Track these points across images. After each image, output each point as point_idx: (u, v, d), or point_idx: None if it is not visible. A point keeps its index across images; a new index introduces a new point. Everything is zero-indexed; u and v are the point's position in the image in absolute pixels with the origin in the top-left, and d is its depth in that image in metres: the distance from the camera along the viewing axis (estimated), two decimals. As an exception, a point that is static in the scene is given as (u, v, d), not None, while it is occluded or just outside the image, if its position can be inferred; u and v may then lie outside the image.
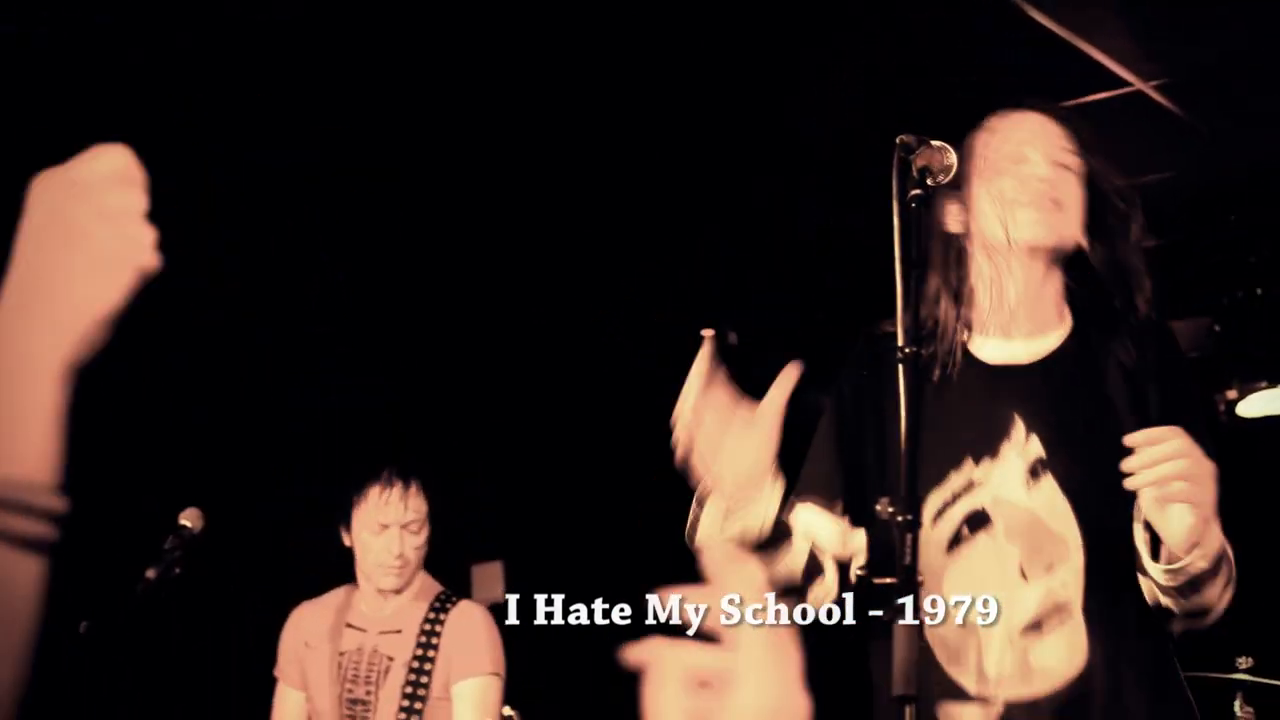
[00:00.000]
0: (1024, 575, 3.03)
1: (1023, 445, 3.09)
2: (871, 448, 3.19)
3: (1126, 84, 5.64)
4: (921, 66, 5.32)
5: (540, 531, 8.88)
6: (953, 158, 2.93)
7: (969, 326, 3.20)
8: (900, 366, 2.68)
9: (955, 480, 3.10)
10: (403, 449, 5.11)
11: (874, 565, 3.12)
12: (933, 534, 3.10)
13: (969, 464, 3.09)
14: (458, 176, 6.28)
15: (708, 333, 7.94)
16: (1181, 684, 3.09)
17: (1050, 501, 3.04)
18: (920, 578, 2.51)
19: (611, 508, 8.72)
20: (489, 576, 8.87)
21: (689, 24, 5.34)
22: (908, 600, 2.48)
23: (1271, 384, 7.38)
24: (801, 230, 6.96)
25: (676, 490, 8.24)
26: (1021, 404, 3.12)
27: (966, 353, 3.19)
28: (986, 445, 3.10)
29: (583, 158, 6.24)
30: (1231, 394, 7.52)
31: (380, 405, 7.55)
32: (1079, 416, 3.12)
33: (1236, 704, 6.05)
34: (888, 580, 2.54)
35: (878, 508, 2.55)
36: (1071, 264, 3.24)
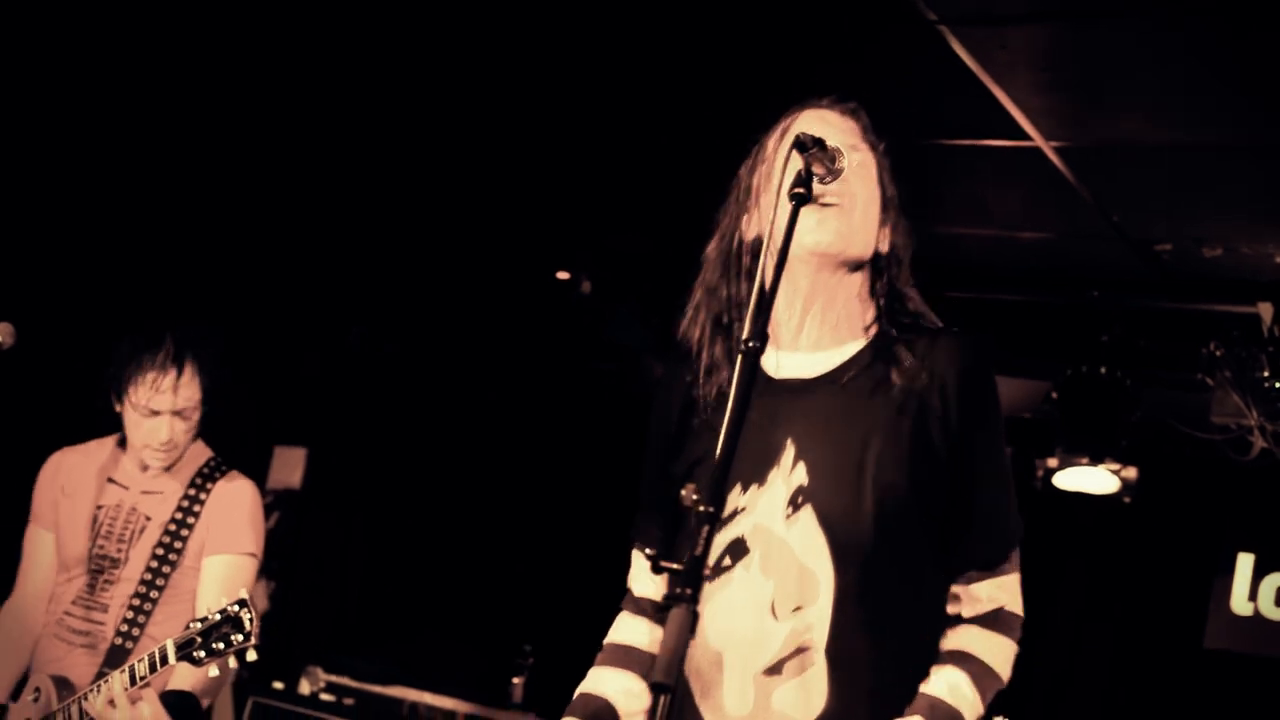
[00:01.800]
0: (774, 613, 2.90)
1: (789, 472, 2.95)
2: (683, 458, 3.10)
3: (1027, 137, 5.65)
4: (825, 73, 5.30)
5: (357, 430, 8.85)
6: (844, 162, 2.88)
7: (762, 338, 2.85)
8: (740, 358, 2.62)
9: (725, 504, 2.94)
10: (186, 322, 4.93)
11: (666, 550, 3.01)
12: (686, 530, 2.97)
13: (738, 489, 2.94)
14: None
15: (563, 275, 7.92)
16: None
17: (805, 535, 2.90)
18: (706, 572, 2.47)
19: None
20: (290, 460, 8.80)
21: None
22: (689, 590, 2.44)
23: (1092, 462, 7.47)
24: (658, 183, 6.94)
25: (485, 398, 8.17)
26: (795, 426, 2.97)
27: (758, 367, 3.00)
28: (757, 471, 2.96)
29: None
30: (1052, 462, 7.61)
31: (215, 257, 7.46)
32: (850, 441, 2.93)
33: None
34: (674, 566, 2.51)
35: (683, 493, 2.52)
36: (881, 267, 3.09)
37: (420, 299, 8.37)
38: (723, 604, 2.61)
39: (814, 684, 2.87)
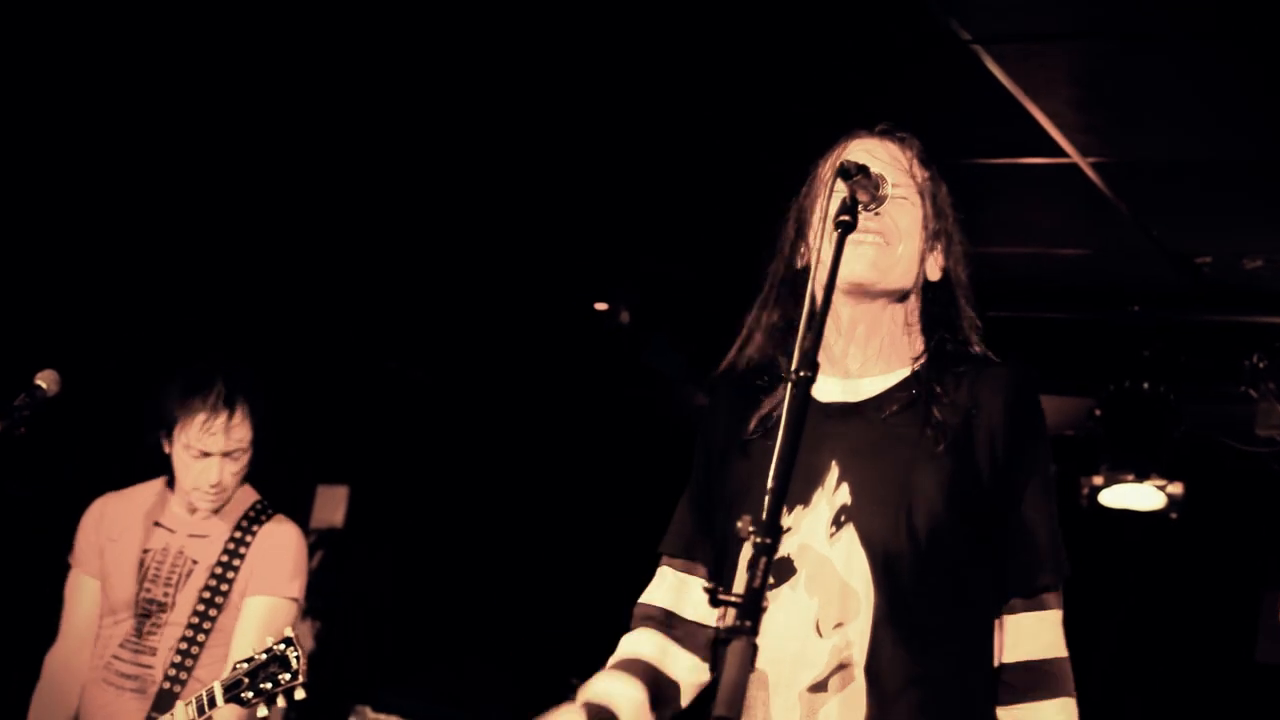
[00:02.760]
0: (819, 630, 2.93)
1: (831, 493, 2.98)
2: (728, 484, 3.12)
3: (1064, 154, 5.64)
4: (863, 96, 5.29)
5: (397, 469, 8.85)
6: (888, 189, 2.90)
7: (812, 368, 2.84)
8: (790, 388, 2.62)
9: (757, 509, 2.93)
10: (235, 365, 4.94)
11: (721, 582, 3.06)
12: (741, 561, 3.02)
13: (784, 509, 2.92)
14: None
15: (600, 306, 7.92)
16: None
17: (847, 553, 2.94)
18: (765, 604, 2.46)
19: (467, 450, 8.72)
20: (333, 499, 8.82)
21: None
22: (749, 623, 2.43)
23: (1138, 479, 7.45)
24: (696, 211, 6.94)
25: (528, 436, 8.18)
26: (841, 449, 3.00)
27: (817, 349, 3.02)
28: (801, 492, 2.98)
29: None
30: (1097, 479, 7.59)
31: (243, 306, 7.48)
32: (893, 466, 2.96)
33: None
34: (732, 599, 2.50)
35: (738, 525, 2.52)
36: (931, 296, 3.11)
37: (458, 332, 8.38)
38: (768, 623, 2.58)
39: (854, 700, 2.90)
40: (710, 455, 3.22)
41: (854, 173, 2.83)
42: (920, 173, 3.11)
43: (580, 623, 8.54)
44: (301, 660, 4.21)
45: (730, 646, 2.42)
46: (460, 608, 8.63)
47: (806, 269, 3.08)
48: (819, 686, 2.91)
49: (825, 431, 2.99)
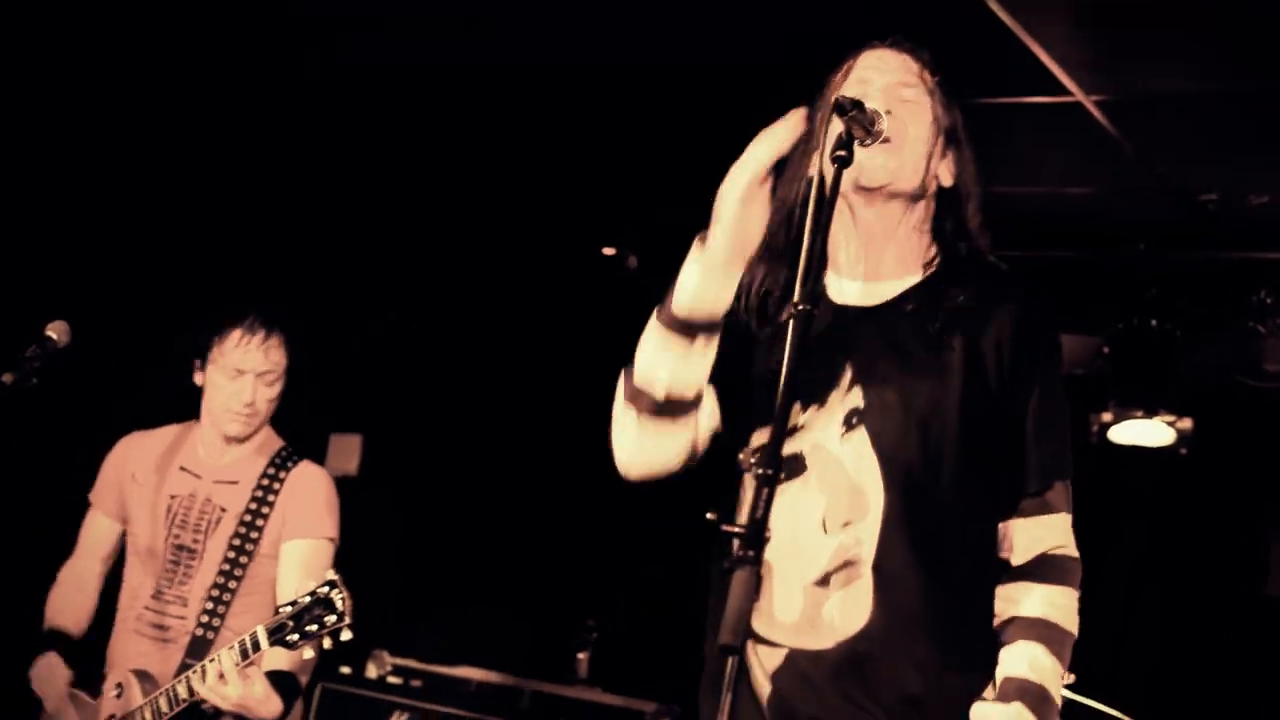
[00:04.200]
0: (824, 527, 2.98)
1: (845, 394, 3.03)
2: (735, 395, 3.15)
3: (1067, 93, 5.63)
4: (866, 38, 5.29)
5: (409, 416, 8.88)
6: (883, 125, 2.93)
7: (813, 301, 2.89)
8: (792, 322, 2.65)
9: (761, 435, 3.04)
10: (275, 296, 5.00)
11: (724, 511, 3.11)
12: (746, 489, 3.09)
13: (797, 408, 3.00)
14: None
15: (608, 251, 7.91)
16: (983, 651, 3.02)
17: (858, 454, 2.99)
18: (767, 534, 2.50)
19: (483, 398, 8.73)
20: (346, 448, 8.85)
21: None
22: (752, 552, 2.47)
23: (1147, 415, 7.46)
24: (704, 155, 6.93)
25: (546, 380, 8.20)
26: (855, 352, 3.05)
27: (823, 293, 3.12)
28: (817, 392, 3.03)
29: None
30: (1106, 416, 7.60)
31: (263, 253, 7.50)
32: (908, 369, 3.02)
33: None
34: (735, 529, 2.54)
35: (740, 457, 2.57)
36: (944, 202, 3.15)
37: (466, 280, 8.39)
38: (776, 517, 2.61)
39: (860, 597, 2.95)
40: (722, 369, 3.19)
41: (849, 108, 2.86)
42: (929, 79, 3.16)
43: (595, 564, 8.59)
44: (347, 601, 4.22)
45: (734, 576, 2.47)
46: (475, 552, 8.66)
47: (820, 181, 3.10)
48: (823, 581, 2.97)
49: (841, 334, 3.05)
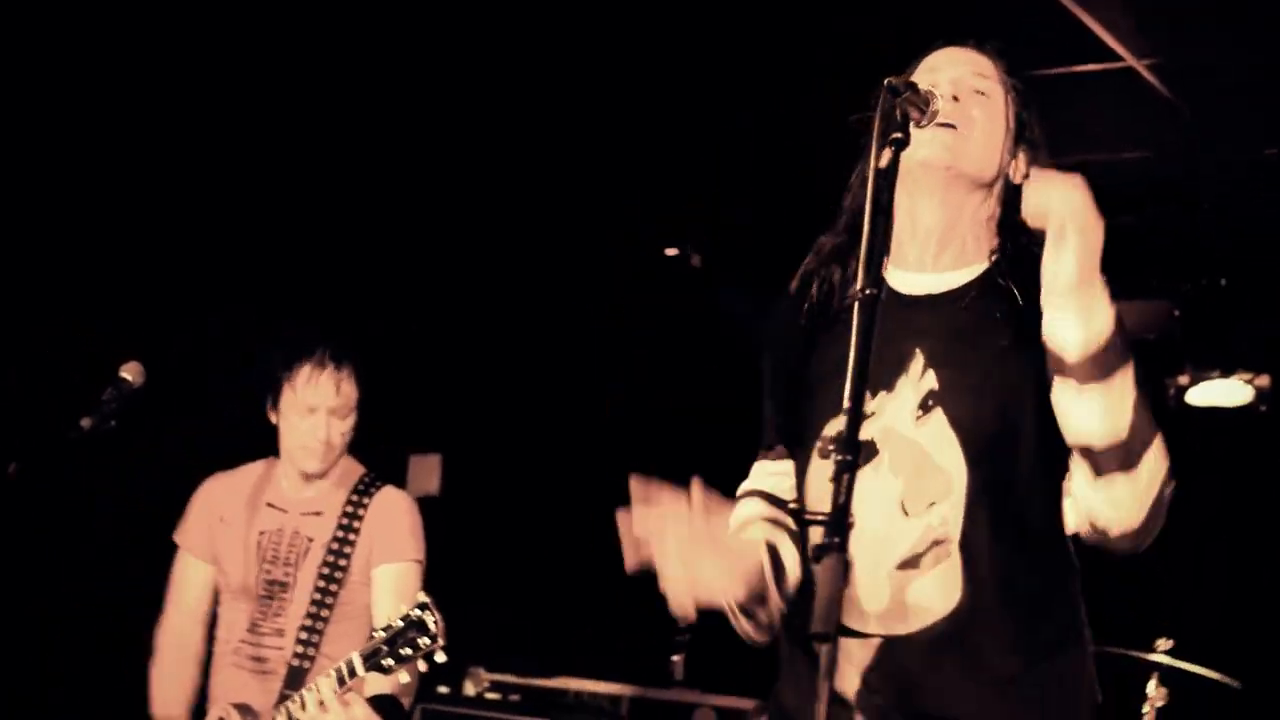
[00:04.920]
0: (905, 510, 2.98)
1: (917, 379, 3.03)
2: (801, 391, 3.17)
3: (1118, 58, 5.61)
4: (914, 21, 5.28)
5: (482, 430, 8.90)
6: (939, 105, 2.93)
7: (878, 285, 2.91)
8: (858, 307, 2.64)
9: (835, 423, 2.99)
10: (341, 330, 5.03)
11: (805, 502, 3.14)
12: (822, 463, 2.99)
13: (866, 395, 2.90)
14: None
15: (671, 252, 7.90)
16: (1073, 626, 3.03)
17: (937, 435, 2.99)
18: (851, 519, 2.50)
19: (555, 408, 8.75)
20: (426, 468, 8.88)
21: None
22: (837, 538, 2.47)
23: (1223, 374, 7.42)
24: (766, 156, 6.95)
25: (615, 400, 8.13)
26: (924, 339, 3.05)
27: (886, 284, 3.06)
28: (884, 378, 3.03)
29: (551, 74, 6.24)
30: (1183, 379, 7.56)
31: (329, 282, 7.54)
32: (979, 352, 3.01)
33: (1151, 684, 6.08)
34: (819, 516, 2.54)
35: (817, 445, 2.58)
36: (1010, 197, 3.12)
37: (529, 288, 8.42)
38: (853, 504, 2.58)
39: (950, 576, 2.94)
40: (782, 353, 3.27)
41: (902, 90, 2.85)
42: (1002, 74, 3.17)
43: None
44: (439, 623, 4.24)
45: (822, 564, 2.47)
46: (561, 563, 8.67)
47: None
48: (909, 564, 2.96)
49: (907, 321, 3.05)
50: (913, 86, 2.88)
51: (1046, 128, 3.27)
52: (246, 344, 5.43)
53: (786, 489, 3.24)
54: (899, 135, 2.81)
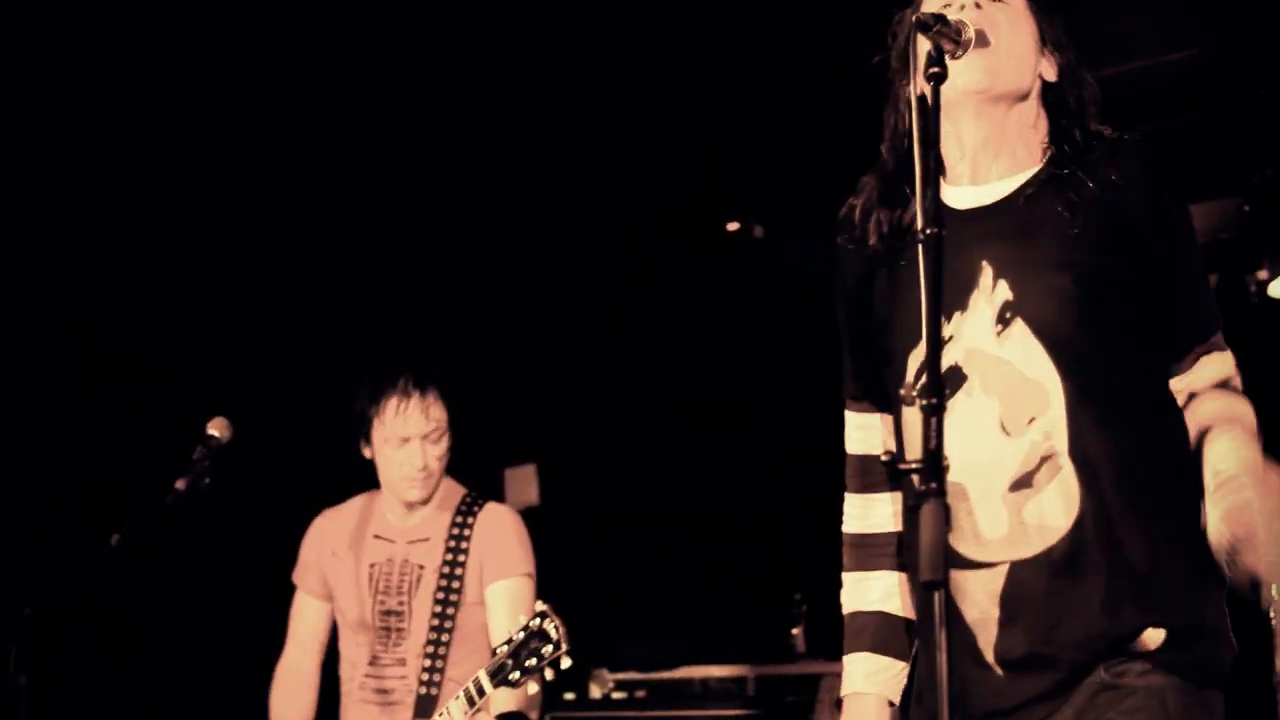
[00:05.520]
0: (1006, 431, 2.94)
1: (990, 291, 2.99)
2: (879, 332, 3.16)
3: (1152, -41, 5.55)
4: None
5: (574, 435, 8.90)
6: (970, 33, 2.90)
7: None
8: (920, 248, 2.62)
9: (915, 359, 3.01)
10: (421, 352, 5.05)
11: (904, 448, 3.11)
12: (909, 420, 3.06)
13: (941, 320, 2.89)
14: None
15: (732, 226, 7.89)
16: (1195, 516, 2.99)
17: (1022, 348, 2.95)
18: (946, 462, 2.47)
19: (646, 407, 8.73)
20: (522, 479, 8.89)
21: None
22: (934, 484, 2.45)
23: (1304, 263, 7.33)
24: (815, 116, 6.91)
25: (712, 396, 8.16)
26: (988, 248, 3.02)
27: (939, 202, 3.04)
28: (957, 298, 3.00)
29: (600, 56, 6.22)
30: (1262, 274, 7.46)
31: (402, 311, 7.55)
32: (1046, 250, 2.99)
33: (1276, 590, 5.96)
34: (913, 464, 2.52)
35: (901, 392, 2.55)
36: (1052, 97, 3.12)
37: (592, 282, 8.40)
38: (951, 434, 2.59)
39: (1067, 489, 2.91)
40: (851, 294, 3.26)
41: (933, 24, 2.85)
42: None
43: (788, 548, 8.55)
44: (561, 629, 4.25)
45: (922, 511, 2.44)
46: (668, 553, 8.65)
47: (918, 99, 3.05)
48: (1022, 483, 2.92)
49: (968, 235, 3.01)
50: (941, 19, 2.87)
51: (1088, 41, 3.24)
52: (334, 379, 5.45)
53: (876, 444, 3.22)
54: (937, 70, 2.79)
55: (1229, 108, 7.04)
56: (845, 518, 3.32)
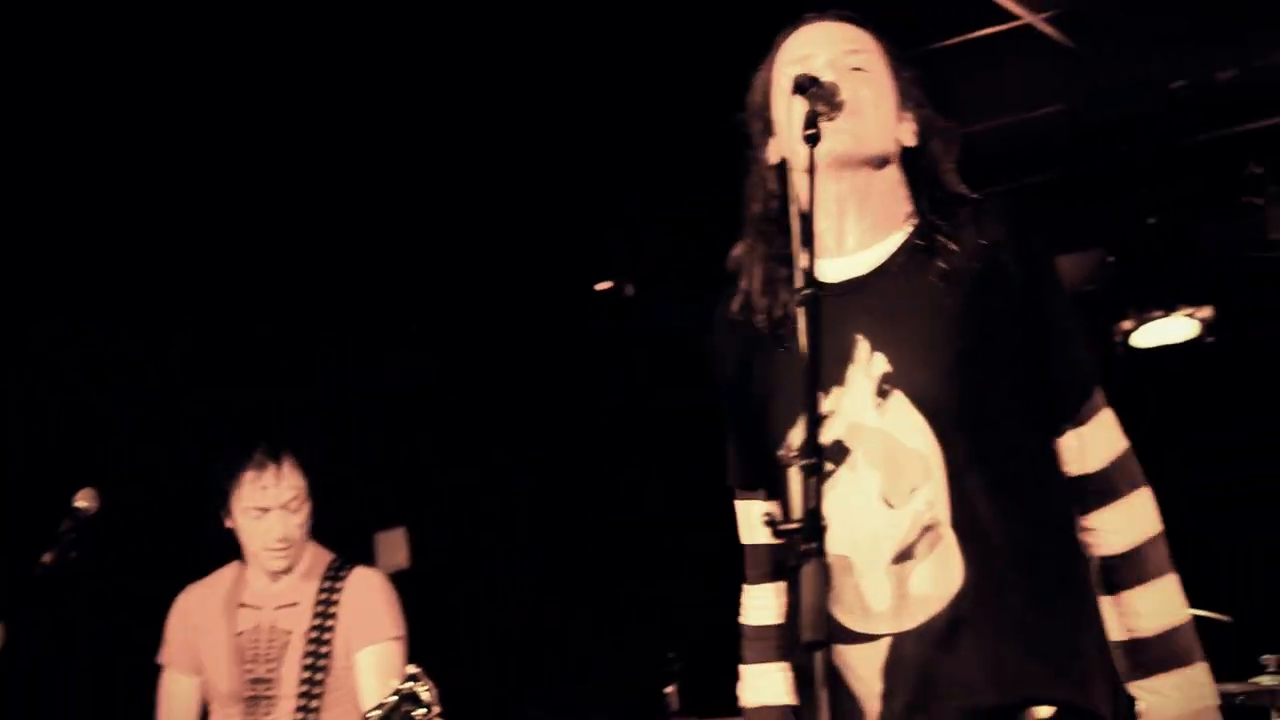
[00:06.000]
0: (889, 503, 2.90)
1: (867, 364, 2.96)
2: (758, 411, 3.11)
3: (1015, 17, 5.62)
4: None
5: (444, 497, 8.84)
6: (843, 95, 2.90)
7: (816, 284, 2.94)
8: (802, 309, 2.61)
9: (797, 431, 2.94)
10: (277, 421, 5.01)
11: (778, 514, 3.06)
12: (792, 487, 3.00)
13: (819, 396, 2.87)
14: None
15: (603, 286, 7.87)
16: (1079, 575, 2.98)
17: (902, 419, 2.91)
18: (824, 522, 2.46)
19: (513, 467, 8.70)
20: (393, 543, 8.82)
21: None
22: (814, 544, 2.43)
23: (1166, 313, 7.45)
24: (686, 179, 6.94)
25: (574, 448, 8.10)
26: (862, 321, 2.97)
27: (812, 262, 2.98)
28: (834, 373, 2.95)
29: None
30: (1127, 324, 7.59)
31: (262, 378, 7.49)
32: (919, 321, 2.95)
33: None
34: (792, 525, 2.50)
35: (780, 453, 2.54)
36: (911, 161, 3.10)
37: (471, 345, 8.37)
38: (835, 508, 2.57)
39: (948, 559, 2.87)
40: (731, 380, 3.20)
41: (808, 86, 2.83)
42: (876, 43, 3.11)
43: (658, 599, 8.55)
44: (432, 690, 4.20)
45: (803, 571, 2.43)
46: (543, 616, 8.62)
47: (780, 165, 3.09)
48: (904, 556, 2.89)
49: (841, 309, 2.95)
50: (816, 80, 2.85)
51: (956, 97, 3.25)
52: (197, 450, 5.38)
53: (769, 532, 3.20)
54: (813, 132, 2.79)
55: (1092, 162, 7.17)
56: (743, 609, 3.27)
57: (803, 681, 3.08)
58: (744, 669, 3.25)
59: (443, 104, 6.15)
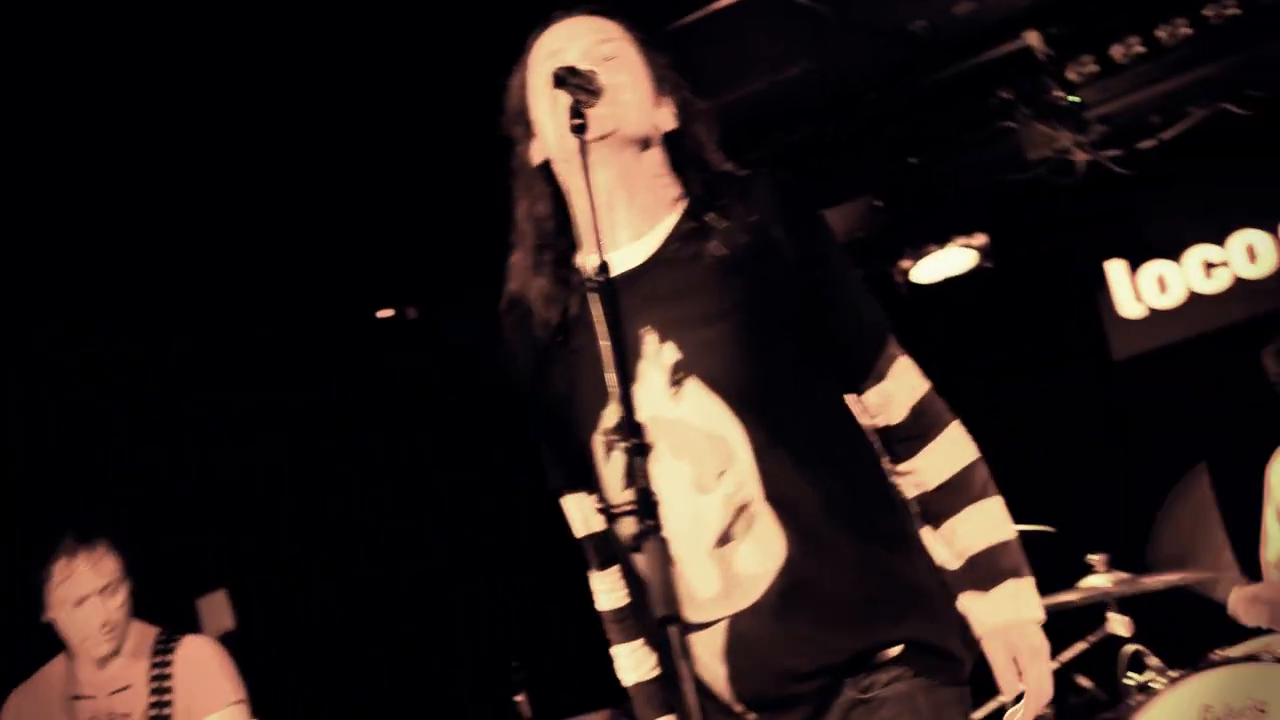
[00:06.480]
0: (699, 489, 2.92)
1: (656, 356, 2.97)
2: (563, 411, 3.11)
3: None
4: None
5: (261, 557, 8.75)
6: (602, 81, 2.92)
7: (577, 249, 3.05)
8: (597, 296, 2.63)
9: (608, 416, 2.96)
10: (78, 510, 4.95)
11: (609, 500, 3.06)
12: (609, 474, 3.02)
13: (626, 365, 2.90)
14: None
15: (385, 313, 7.83)
16: (902, 532, 3.03)
17: (698, 404, 2.93)
18: (656, 497, 2.48)
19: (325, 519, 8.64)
20: (215, 607, 8.71)
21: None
22: (650, 521, 2.46)
23: (939, 245, 7.58)
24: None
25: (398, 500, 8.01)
26: (647, 312, 2.98)
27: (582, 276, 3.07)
28: (626, 368, 2.93)
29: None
30: (905, 264, 7.71)
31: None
32: (705, 304, 2.96)
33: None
34: (626, 507, 2.52)
35: (596, 439, 2.55)
36: (674, 144, 3.12)
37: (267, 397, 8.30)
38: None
39: (767, 534, 2.89)
40: (530, 386, 3.19)
41: (567, 77, 2.86)
42: (624, 32, 3.13)
43: (493, 617, 8.54)
44: None
45: (643, 550, 2.45)
46: (376, 657, 8.58)
47: (545, 165, 3.10)
48: (724, 539, 2.91)
49: (623, 303, 2.95)
50: (573, 70, 2.87)
51: (706, 71, 3.28)
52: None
53: (600, 520, 3.18)
54: (580, 121, 2.81)
55: (847, 114, 7.27)
56: (596, 597, 3.27)
57: (665, 657, 3.10)
58: (614, 650, 3.26)
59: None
